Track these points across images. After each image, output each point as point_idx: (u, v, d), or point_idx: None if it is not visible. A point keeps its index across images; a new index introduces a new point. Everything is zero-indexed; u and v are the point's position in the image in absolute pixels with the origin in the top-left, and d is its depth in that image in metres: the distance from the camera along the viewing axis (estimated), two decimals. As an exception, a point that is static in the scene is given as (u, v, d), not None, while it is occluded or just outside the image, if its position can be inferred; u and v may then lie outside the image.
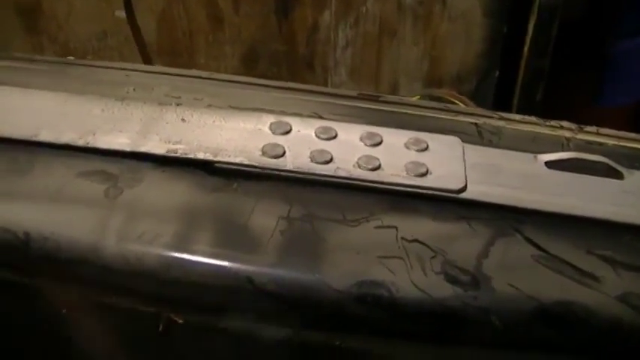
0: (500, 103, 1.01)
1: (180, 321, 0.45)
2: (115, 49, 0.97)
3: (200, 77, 0.57)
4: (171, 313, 0.45)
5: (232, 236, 0.45)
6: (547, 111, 0.63)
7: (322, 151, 0.49)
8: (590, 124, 0.57)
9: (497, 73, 1.00)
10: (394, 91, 1.02)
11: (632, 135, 0.56)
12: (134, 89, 0.55)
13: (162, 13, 0.96)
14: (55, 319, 0.47)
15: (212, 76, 0.57)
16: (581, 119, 0.58)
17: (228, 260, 0.44)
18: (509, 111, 0.99)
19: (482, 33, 0.98)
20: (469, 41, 0.98)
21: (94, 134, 0.50)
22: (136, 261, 0.44)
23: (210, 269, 0.44)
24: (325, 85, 1.02)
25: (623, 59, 1.11)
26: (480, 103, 0.94)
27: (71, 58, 0.59)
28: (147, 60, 0.90)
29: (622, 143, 0.55)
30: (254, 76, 0.58)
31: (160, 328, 0.45)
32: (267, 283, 0.43)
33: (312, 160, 0.48)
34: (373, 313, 0.43)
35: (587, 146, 0.54)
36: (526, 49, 0.91)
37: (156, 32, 0.97)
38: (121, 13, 0.88)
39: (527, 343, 0.45)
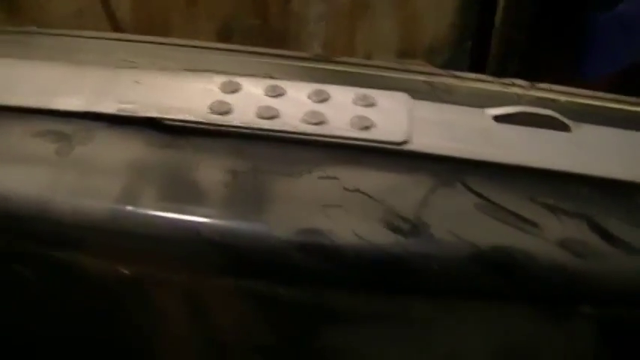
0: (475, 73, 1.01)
1: (129, 273, 0.46)
2: (93, 27, 0.97)
3: (159, 43, 0.58)
4: (120, 267, 0.46)
5: (178, 189, 0.46)
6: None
7: (269, 108, 0.50)
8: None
9: (470, 44, 1.00)
10: (368, 63, 1.03)
11: (584, 91, 0.56)
12: (91, 55, 0.56)
13: (137, -9, 0.98)
14: (6, 277, 0.48)
15: (171, 42, 0.58)
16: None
17: (174, 212, 0.45)
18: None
19: (454, 4, 0.98)
20: (441, 12, 0.98)
21: (49, 97, 0.51)
22: (85, 215, 0.45)
23: (156, 221, 0.45)
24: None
25: (605, 29, 1.10)
26: (454, 75, 0.94)
27: (33, 28, 0.60)
28: (121, 37, 0.91)
29: (573, 99, 0.56)
30: (230, 50, 0.58)
31: (112, 281, 0.47)
32: (211, 233, 0.44)
33: (258, 116, 0.49)
34: (314, 261, 0.44)
35: (538, 102, 0.54)
36: (498, 19, 0.91)
37: (131, 10, 0.98)
38: (94, -9, 0.90)
39: (468, 289, 0.46)
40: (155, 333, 0.49)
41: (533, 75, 0.65)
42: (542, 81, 0.61)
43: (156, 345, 0.49)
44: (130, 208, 0.45)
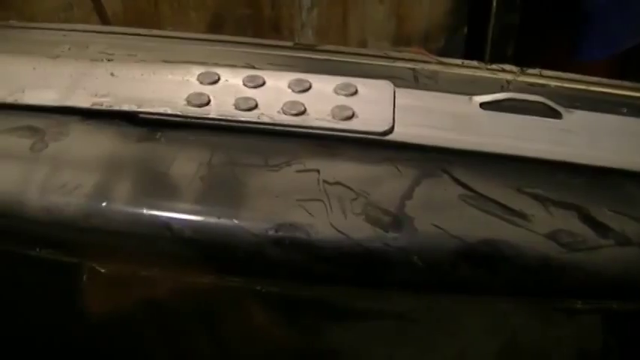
0: (471, 59, 0.99)
1: (103, 270, 0.45)
2: (82, 21, 0.97)
3: (138, 35, 0.57)
4: (94, 263, 0.45)
5: (152, 184, 0.45)
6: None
7: (247, 99, 0.48)
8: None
9: (466, 29, 0.98)
10: (362, 51, 1.01)
11: (576, 76, 0.54)
12: (69, 48, 0.54)
13: (126, -18, 0.97)
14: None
15: (149, 33, 0.56)
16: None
17: (147, 208, 0.44)
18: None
19: (448, -11, 0.96)
20: (435, -1, 0.96)
21: (23, 91, 0.50)
22: (57, 211, 0.44)
23: (129, 217, 0.44)
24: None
25: (600, 11, 1.08)
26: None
27: (13, 22, 0.59)
28: (109, 29, 0.90)
29: (564, 84, 0.54)
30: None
31: (85, 279, 0.45)
32: (184, 229, 0.43)
33: (236, 108, 0.48)
34: (291, 256, 0.43)
35: (528, 88, 0.53)
36: (494, 4, 0.89)
37: (121, 2, 0.97)
38: (84, -16, 0.89)
39: (453, 284, 0.44)
40: (133, 331, 0.48)
41: (530, 60, 0.63)
42: (539, 65, 0.59)
43: (130, 343, 0.48)
44: (103, 204, 0.44)
